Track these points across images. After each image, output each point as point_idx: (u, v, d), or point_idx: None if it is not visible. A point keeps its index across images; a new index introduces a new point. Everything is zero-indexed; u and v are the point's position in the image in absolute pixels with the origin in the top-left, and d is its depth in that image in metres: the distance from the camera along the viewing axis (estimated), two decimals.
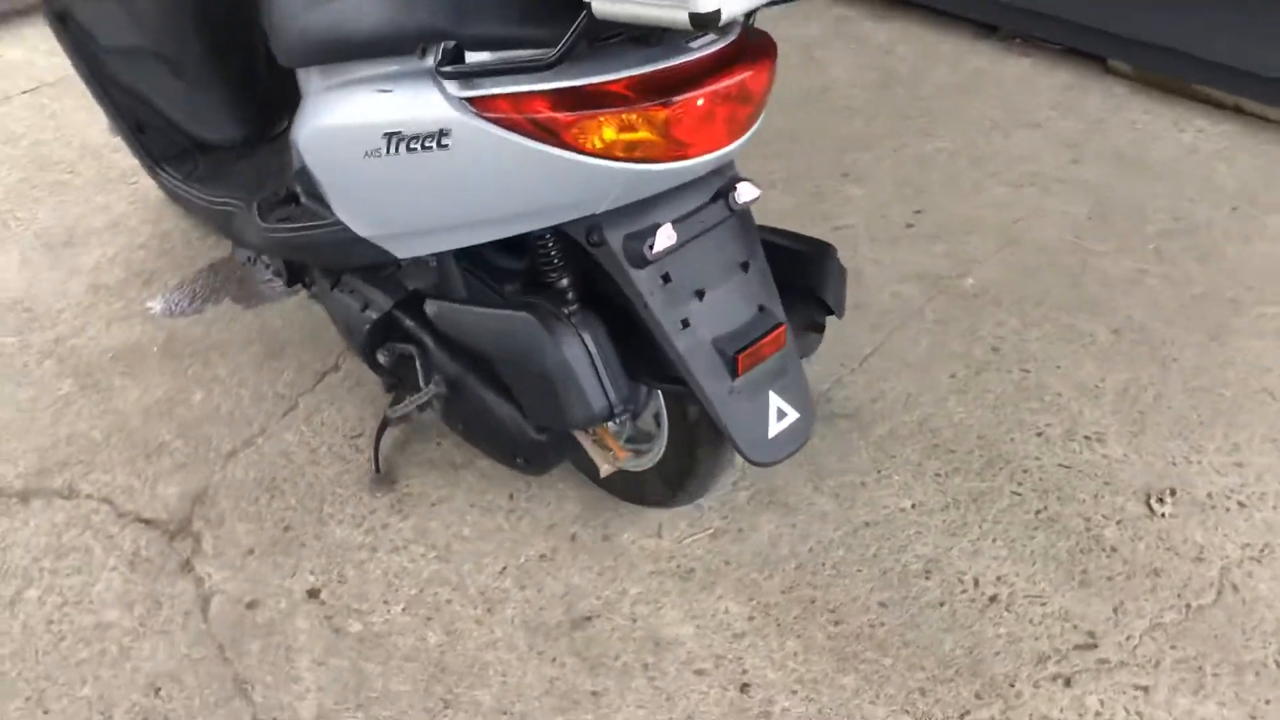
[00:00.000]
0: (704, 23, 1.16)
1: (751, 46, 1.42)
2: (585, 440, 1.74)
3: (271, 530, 1.94)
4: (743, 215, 1.55)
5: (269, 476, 2.04)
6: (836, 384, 2.18)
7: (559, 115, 1.34)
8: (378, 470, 1.99)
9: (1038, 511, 1.90)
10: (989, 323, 2.31)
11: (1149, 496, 1.91)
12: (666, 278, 1.48)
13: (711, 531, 1.90)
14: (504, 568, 1.86)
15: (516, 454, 1.74)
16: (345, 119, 1.56)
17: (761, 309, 1.56)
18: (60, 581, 1.87)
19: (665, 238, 1.43)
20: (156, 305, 2.47)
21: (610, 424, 1.71)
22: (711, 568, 1.84)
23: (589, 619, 1.78)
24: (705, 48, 1.37)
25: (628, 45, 1.35)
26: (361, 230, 1.68)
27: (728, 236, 1.53)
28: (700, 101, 1.34)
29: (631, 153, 1.35)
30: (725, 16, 1.16)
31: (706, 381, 1.51)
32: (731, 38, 1.39)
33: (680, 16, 1.16)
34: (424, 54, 1.44)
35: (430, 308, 1.70)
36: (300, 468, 2.05)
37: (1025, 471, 1.97)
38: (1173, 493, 1.92)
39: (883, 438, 2.06)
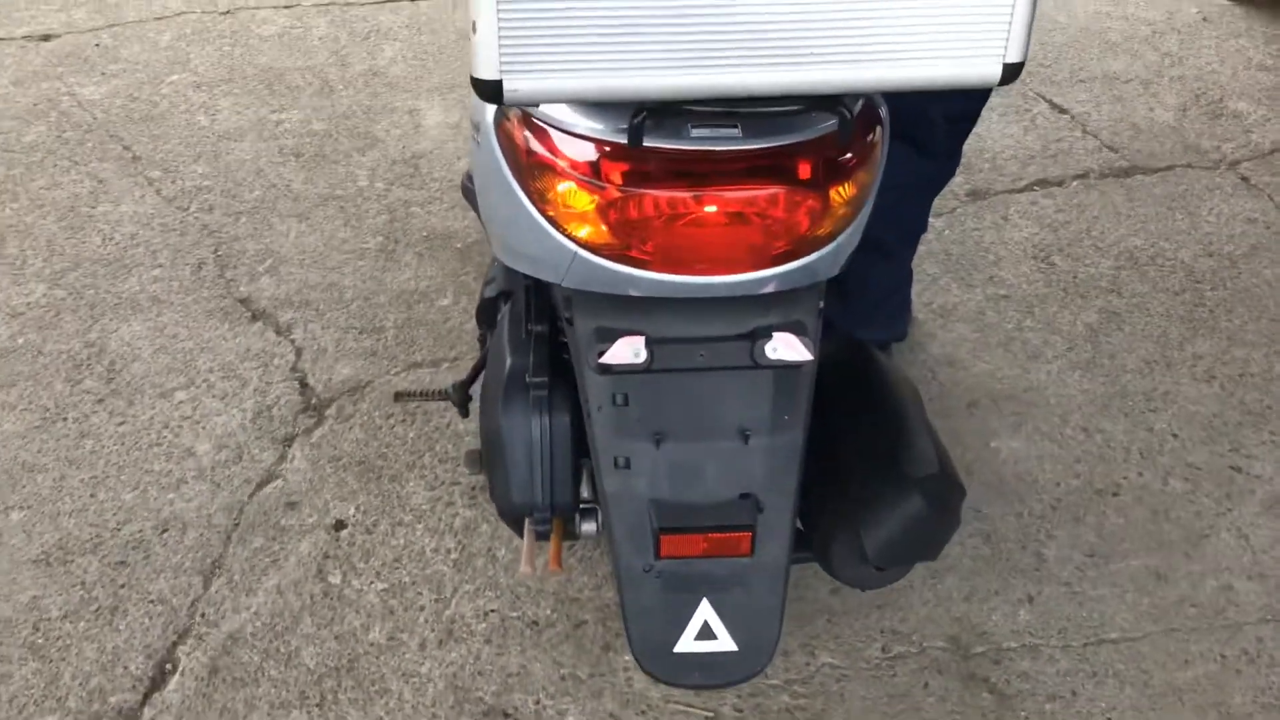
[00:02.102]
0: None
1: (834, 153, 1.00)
2: (528, 526, 1.44)
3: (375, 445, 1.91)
4: (779, 376, 1.13)
5: None
6: None
7: (529, 149, 1.05)
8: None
9: None
10: None
11: None
12: (625, 400, 1.14)
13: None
14: (493, 610, 1.65)
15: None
16: None
17: (744, 498, 1.14)
18: (204, 400, 2.01)
19: (622, 352, 1.09)
20: None
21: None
22: None
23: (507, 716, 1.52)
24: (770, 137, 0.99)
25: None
26: None
27: (736, 391, 1.13)
28: (659, 204, 0.97)
29: (578, 235, 1.03)
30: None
31: (623, 542, 1.16)
32: (795, 136, 0.99)
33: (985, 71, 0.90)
34: None
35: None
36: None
37: None
38: None
39: None
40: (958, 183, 2.58)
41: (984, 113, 2.75)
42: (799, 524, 1.27)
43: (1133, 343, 2.14)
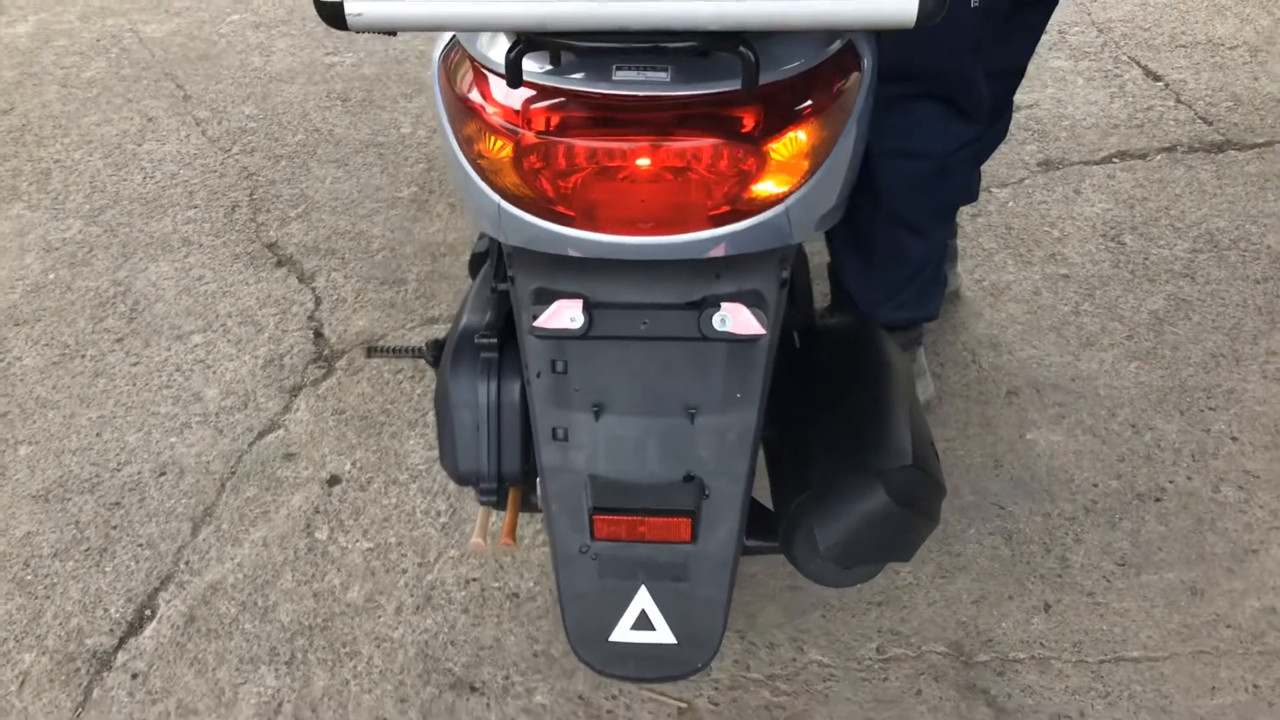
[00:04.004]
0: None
1: (756, 101, 0.89)
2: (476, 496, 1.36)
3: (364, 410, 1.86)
4: (732, 351, 1.03)
5: None
6: None
7: (454, 90, 0.97)
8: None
9: None
10: None
11: None
12: (563, 367, 1.05)
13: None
14: (474, 579, 1.59)
15: None
16: None
17: (688, 479, 1.05)
18: (218, 344, 1.99)
19: (556, 315, 1.00)
20: None
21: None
22: None
23: (474, 689, 1.47)
24: (700, 82, 0.89)
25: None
26: None
27: (683, 365, 1.03)
28: (574, 153, 0.87)
29: (503, 185, 0.94)
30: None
31: (560, 519, 1.08)
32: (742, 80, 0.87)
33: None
34: None
35: None
36: None
37: None
38: None
39: None
40: (1030, 150, 2.40)
41: (1070, 76, 2.53)
42: (774, 510, 1.18)
43: (1200, 334, 1.96)
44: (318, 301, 2.07)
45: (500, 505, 1.23)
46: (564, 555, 1.08)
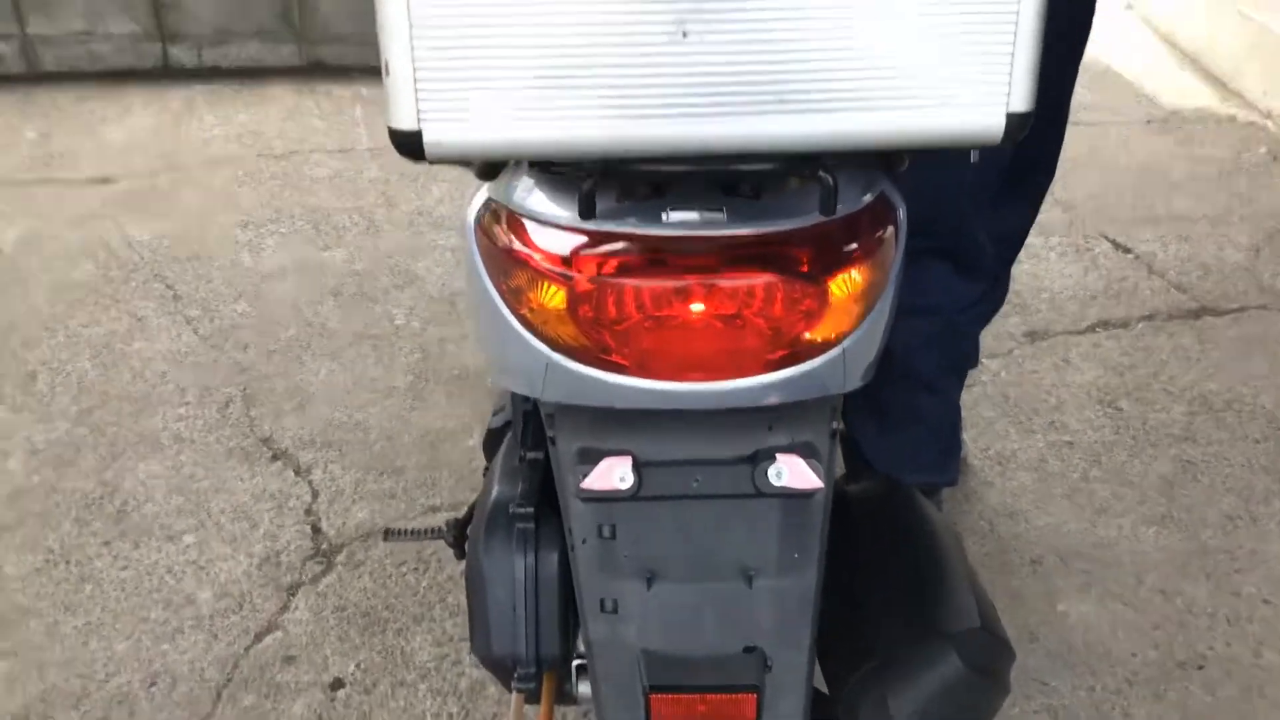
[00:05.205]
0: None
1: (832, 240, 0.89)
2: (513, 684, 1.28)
3: None
4: (787, 507, 1.00)
5: None
6: None
7: (500, 243, 0.96)
8: None
9: None
10: None
11: None
12: (611, 531, 1.01)
13: None
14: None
15: None
16: None
17: (748, 651, 0.99)
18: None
19: (605, 475, 0.96)
20: None
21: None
22: None
23: None
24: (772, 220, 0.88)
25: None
26: None
27: (738, 523, 1.00)
28: (634, 294, 0.86)
29: (553, 335, 0.93)
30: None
31: (609, 702, 1.01)
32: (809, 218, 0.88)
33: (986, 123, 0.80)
34: None
35: None
36: None
37: None
38: None
39: None
40: (1014, 323, 2.45)
41: (1042, 251, 2.64)
42: (823, 687, 1.11)
43: (1212, 496, 1.95)
44: (315, 494, 2.01)
45: (537, 694, 1.16)
46: None
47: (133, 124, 3.51)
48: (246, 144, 3.37)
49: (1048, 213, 2.90)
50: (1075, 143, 3.19)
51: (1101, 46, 3.95)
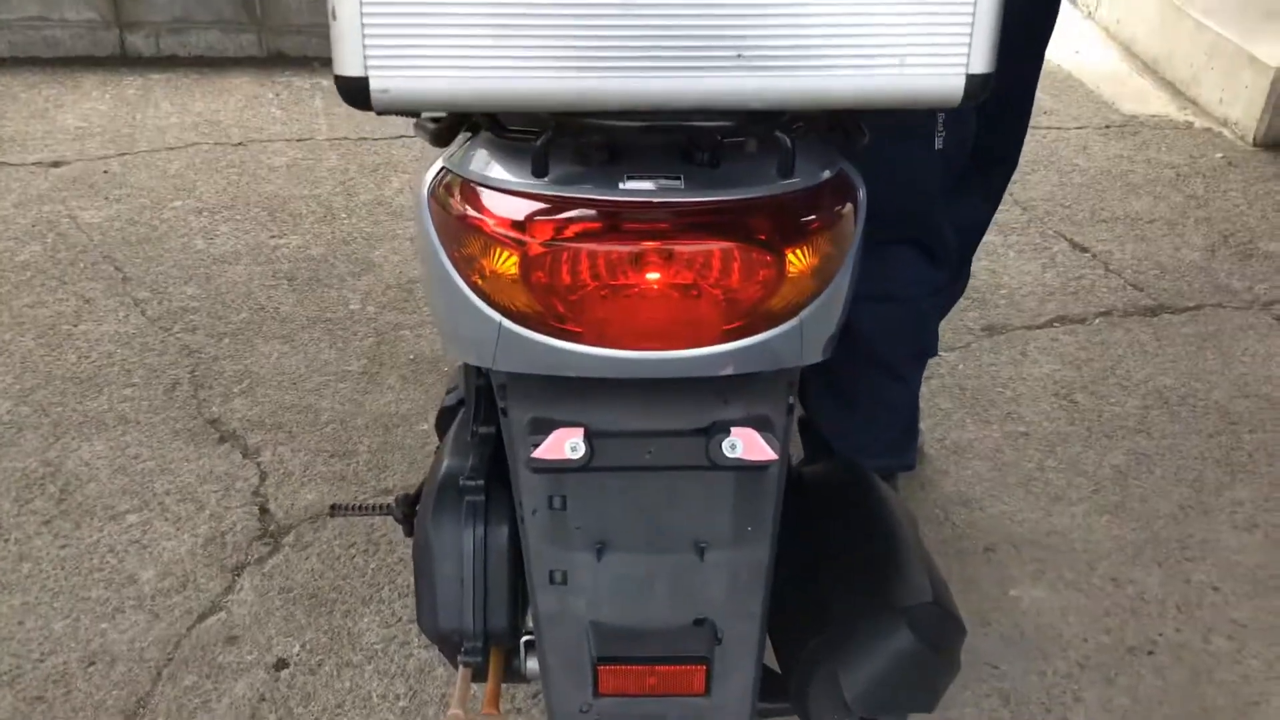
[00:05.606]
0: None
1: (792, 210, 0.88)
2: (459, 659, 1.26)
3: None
4: (741, 480, 0.98)
5: None
6: None
7: (453, 210, 0.94)
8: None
9: None
10: None
11: None
12: (561, 502, 0.99)
13: None
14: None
15: None
16: None
17: (698, 624, 0.98)
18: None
19: (556, 445, 0.94)
20: None
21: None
22: None
23: None
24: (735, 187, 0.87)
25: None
26: None
27: (691, 496, 0.98)
28: (589, 259, 0.84)
29: (506, 303, 0.90)
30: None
31: (557, 672, 0.99)
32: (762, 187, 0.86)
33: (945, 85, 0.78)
34: None
35: None
36: None
37: None
38: None
39: None
40: (973, 317, 2.46)
41: (1001, 249, 2.66)
42: (774, 664, 1.10)
43: (1164, 487, 1.96)
44: (263, 476, 1.97)
45: (484, 670, 1.13)
46: (561, 712, 0.98)
47: (87, 110, 3.45)
48: (203, 132, 3.32)
49: (1007, 212, 2.93)
50: (1035, 146, 3.23)
51: (1062, 54, 3.99)
